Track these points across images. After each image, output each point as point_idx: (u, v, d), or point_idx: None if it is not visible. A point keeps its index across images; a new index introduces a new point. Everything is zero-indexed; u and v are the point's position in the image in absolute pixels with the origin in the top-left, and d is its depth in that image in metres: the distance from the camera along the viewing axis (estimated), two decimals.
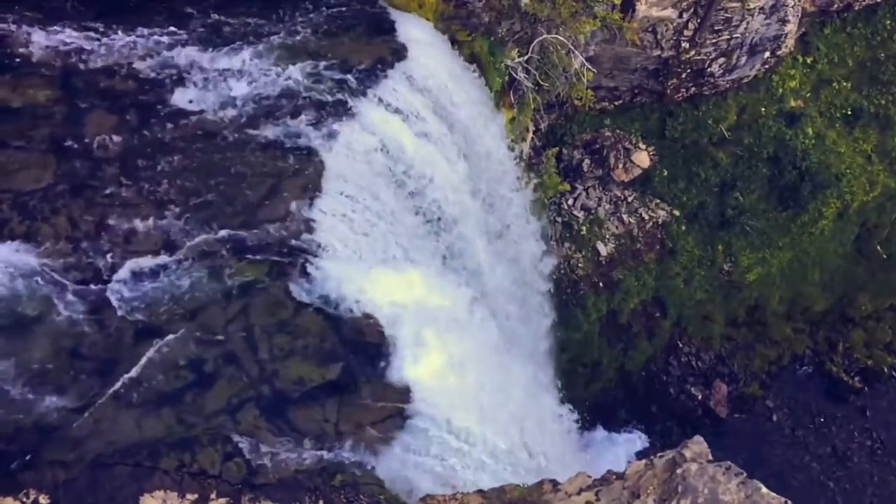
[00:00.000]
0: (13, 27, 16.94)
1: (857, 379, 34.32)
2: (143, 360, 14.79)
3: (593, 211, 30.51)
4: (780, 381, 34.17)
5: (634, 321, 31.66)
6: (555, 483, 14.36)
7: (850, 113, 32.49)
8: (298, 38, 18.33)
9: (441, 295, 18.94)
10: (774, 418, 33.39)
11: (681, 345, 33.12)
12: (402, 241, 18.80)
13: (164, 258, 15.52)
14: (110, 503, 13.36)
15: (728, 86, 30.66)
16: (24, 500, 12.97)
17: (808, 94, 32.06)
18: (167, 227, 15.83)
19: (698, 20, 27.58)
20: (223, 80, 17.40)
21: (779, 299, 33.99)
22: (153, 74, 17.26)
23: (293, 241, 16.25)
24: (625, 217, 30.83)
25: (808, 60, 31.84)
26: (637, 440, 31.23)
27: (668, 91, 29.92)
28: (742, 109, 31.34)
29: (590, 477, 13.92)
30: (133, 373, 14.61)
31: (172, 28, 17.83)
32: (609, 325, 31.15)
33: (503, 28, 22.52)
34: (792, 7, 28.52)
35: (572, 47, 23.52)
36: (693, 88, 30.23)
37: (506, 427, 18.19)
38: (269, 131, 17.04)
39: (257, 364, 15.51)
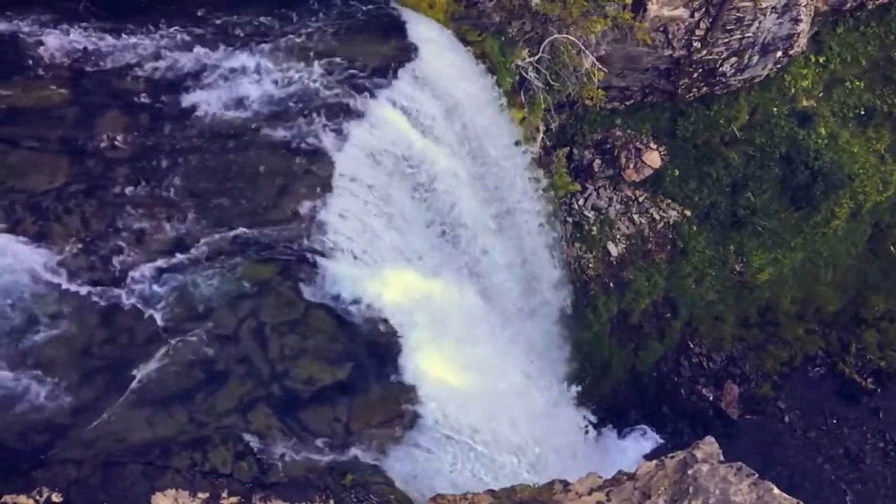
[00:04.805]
0: (26, 29, 17.05)
1: (869, 380, 34.11)
2: (155, 359, 14.86)
3: (604, 211, 30.45)
4: (792, 382, 33.99)
5: (645, 321, 31.59)
6: (565, 483, 14.35)
7: (863, 112, 32.30)
8: (309, 38, 18.37)
9: (452, 295, 18.95)
10: (786, 419, 33.23)
11: (692, 345, 33.02)
12: (412, 241, 18.82)
13: (175, 258, 15.59)
14: (122, 501, 13.43)
15: (740, 85, 30.53)
16: (37, 498, 13.05)
17: (821, 94, 31.89)
18: (179, 227, 15.90)
19: (710, 19, 27.48)
20: (234, 80, 17.46)
21: (791, 300, 33.84)
22: (165, 75, 17.35)
23: (304, 241, 16.30)
24: (636, 217, 30.76)
25: (821, 60, 31.66)
26: (648, 441, 31.14)
27: (680, 90, 29.82)
28: (754, 109, 31.20)
29: (600, 477, 13.92)
30: (145, 372, 14.68)
31: (184, 29, 17.91)
32: (620, 325, 31.09)
33: (514, 28, 22.51)
34: (804, 6, 28.37)
35: (583, 47, 23.50)
36: (704, 88, 30.12)
37: (516, 426, 18.18)
38: (280, 132, 17.10)
39: (268, 364, 15.56)
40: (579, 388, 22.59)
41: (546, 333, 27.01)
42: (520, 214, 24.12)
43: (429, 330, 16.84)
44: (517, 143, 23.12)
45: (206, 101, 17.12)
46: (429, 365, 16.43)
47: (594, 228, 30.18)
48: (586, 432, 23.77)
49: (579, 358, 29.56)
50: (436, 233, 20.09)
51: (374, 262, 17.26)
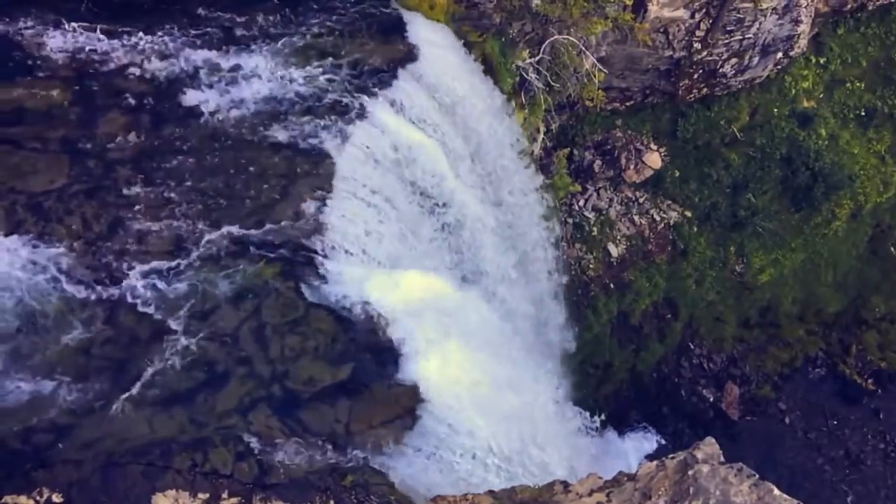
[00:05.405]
0: (29, 29, 17.07)
1: (870, 381, 34.13)
2: (156, 360, 14.86)
3: (604, 212, 30.46)
4: (793, 382, 34.02)
5: (646, 322, 31.60)
6: (566, 484, 14.34)
7: (863, 113, 32.34)
8: (310, 39, 18.38)
9: (452, 296, 18.94)
10: (787, 420, 33.24)
11: (692, 346, 33.03)
12: (412, 242, 18.82)
13: (176, 259, 15.59)
14: (123, 502, 13.43)
15: (740, 86, 30.55)
16: (38, 498, 13.05)
17: (821, 95, 31.91)
18: (180, 227, 15.90)
19: (710, 21, 27.50)
20: (236, 81, 17.47)
21: (791, 301, 33.86)
22: (166, 76, 17.36)
23: (305, 242, 16.30)
24: (636, 218, 30.77)
25: (821, 61, 31.69)
26: (648, 441, 31.16)
27: (680, 91, 29.84)
28: (754, 110, 31.23)
29: (601, 478, 13.90)
30: (146, 373, 14.68)
31: (186, 29, 17.92)
32: (620, 326, 31.10)
33: (514, 29, 22.53)
34: (805, 7, 28.39)
35: (583, 48, 23.51)
36: (705, 89, 30.14)
37: (517, 427, 18.18)
38: (281, 132, 17.10)
39: (269, 364, 15.56)
40: (581, 389, 22.68)
41: (550, 334, 27.09)
42: (533, 263, 24.28)
43: (430, 331, 16.79)
44: (537, 189, 23.34)
45: (208, 102, 17.13)
46: (430, 366, 16.36)
47: (594, 229, 30.19)
48: (591, 434, 23.85)
49: (580, 359, 29.58)
50: (437, 234, 20.08)
51: (375, 262, 17.25)
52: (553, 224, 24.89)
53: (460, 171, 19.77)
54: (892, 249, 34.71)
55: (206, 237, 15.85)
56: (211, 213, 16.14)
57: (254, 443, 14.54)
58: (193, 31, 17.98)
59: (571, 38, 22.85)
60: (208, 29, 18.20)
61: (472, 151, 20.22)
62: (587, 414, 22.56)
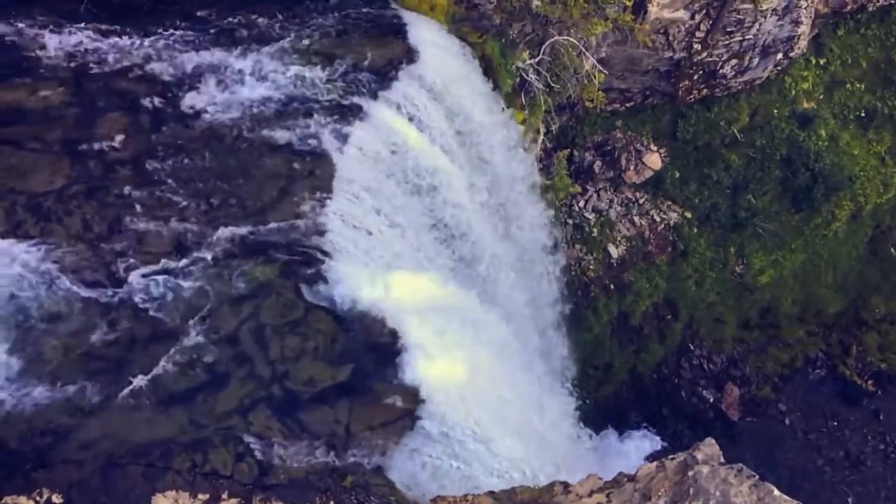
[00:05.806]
0: (28, 30, 17.08)
1: (870, 382, 34.13)
2: (156, 361, 14.85)
3: (604, 213, 30.46)
4: (793, 383, 34.02)
5: (646, 323, 31.59)
6: (566, 485, 14.35)
7: (863, 114, 32.32)
8: (311, 40, 18.39)
9: (453, 298, 18.95)
10: (787, 421, 33.23)
11: (692, 347, 33.03)
12: (412, 243, 18.83)
13: (177, 259, 15.59)
14: (123, 502, 13.43)
15: (740, 87, 30.55)
16: (38, 499, 13.05)
17: (821, 96, 31.91)
18: (180, 228, 15.90)
19: (710, 21, 27.50)
20: (235, 82, 17.48)
21: (791, 302, 33.85)
22: (166, 76, 17.36)
23: (305, 243, 16.30)
24: (636, 219, 30.77)
25: (821, 62, 31.69)
26: (648, 442, 31.14)
27: (680, 92, 29.84)
28: (754, 111, 31.22)
29: (601, 479, 13.92)
30: (146, 374, 14.68)
31: (185, 30, 17.93)
32: (620, 327, 31.10)
33: (514, 30, 22.53)
34: (805, 9, 28.40)
35: (584, 49, 23.51)
36: (705, 90, 30.14)
37: (516, 428, 18.17)
38: (281, 133, 17.11)
39: (269, 365, 15.56)
40: (581, 390, 22.72)
41: (550, 335, 27.16)
42: (540, 297, 24.34)
43: (430, 332, 16.78)
44: (544, 225, 23.44)
45: (208, 102, 17.14)
46: (430, 367, 16.35)
47: (595, 230, 30.19)
48: (591, 435, 23.98)
49: (580, 360, 29.60)
50: (437, 235, 20.08)
51: (375, 263, 17.24)
52: (559, 257, 25.02)
53: (477, 202, 19.85)
54: (892, 250, 34.71)
55: (206, 238, 15.86)
56: (210, 213, 16.15)
57: (254, 443, 14.54)
58: (193, 32, 17.99)
59: (571, 40, 22.85)
60: (208, 30, 18.21)
61: (487, 185, 20.28)
62: (598, 436, 22.62)
